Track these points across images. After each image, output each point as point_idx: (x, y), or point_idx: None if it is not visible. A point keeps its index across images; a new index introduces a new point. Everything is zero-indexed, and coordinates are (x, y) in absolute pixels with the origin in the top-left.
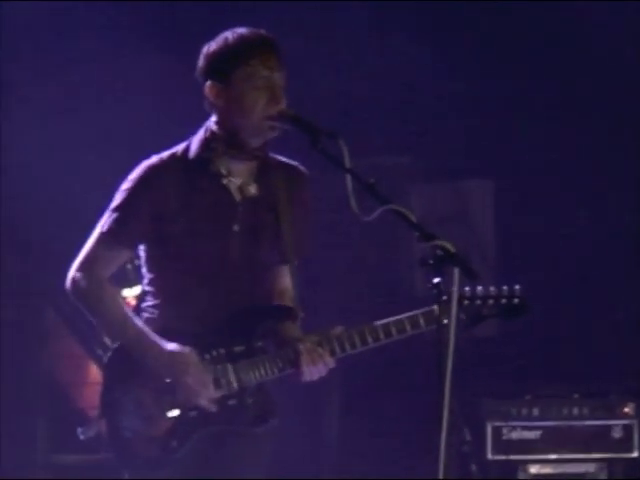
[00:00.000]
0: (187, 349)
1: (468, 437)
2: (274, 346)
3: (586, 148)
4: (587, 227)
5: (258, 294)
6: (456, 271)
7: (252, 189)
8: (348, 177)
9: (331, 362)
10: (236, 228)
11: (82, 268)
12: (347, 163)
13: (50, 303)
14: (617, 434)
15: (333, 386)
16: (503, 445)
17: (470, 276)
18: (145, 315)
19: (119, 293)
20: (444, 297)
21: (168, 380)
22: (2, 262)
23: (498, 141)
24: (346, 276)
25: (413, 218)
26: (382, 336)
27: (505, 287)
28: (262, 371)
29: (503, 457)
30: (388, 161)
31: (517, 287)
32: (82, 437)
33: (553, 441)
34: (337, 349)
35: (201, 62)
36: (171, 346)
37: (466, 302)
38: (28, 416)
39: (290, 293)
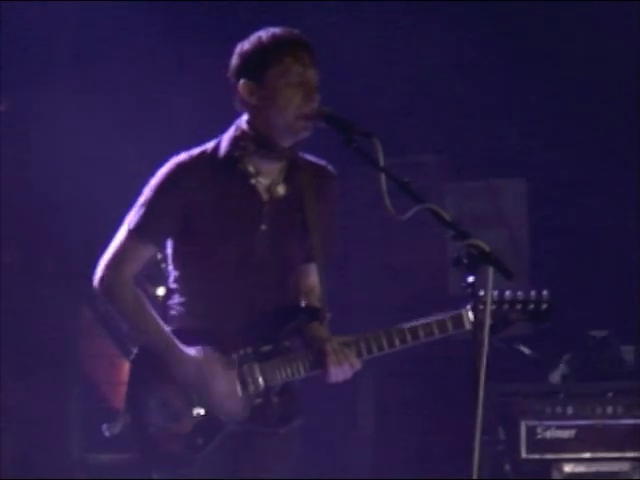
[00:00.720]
0: (214, 353)
1: (502, 436)
2: (301, 346)
3: (619, 145)
4: (621, 224)
5: (285, 293)
6: (490, 270)
7: (280, 189)
8: (382, 176)
9: (357, 364)
10: (263, 227)
11: (110, 266)
12: (381, 162)
13: (85, 302)
14: None
15: (367, 385)
16: (537, 444)
17: (505, 275)
18: (171, 313)
19: (143, 295)
20: (472, 303)
21: (194, 384)
22: (40, 263)
23: (530, 139)
24: (379, 275)
25: (447, 217)
26: (409, 338)
27: (533, 292)
28: (289, 371)
29: (537, 456)
30: (422, 160)
31: (545, 292)
32: (107, 434)
33: (587, 440)
34: (364, 351)
35: (234, 61)
36: (195, 352)
37: (494, 306)
38: (62, 415)
39: (317, 292)
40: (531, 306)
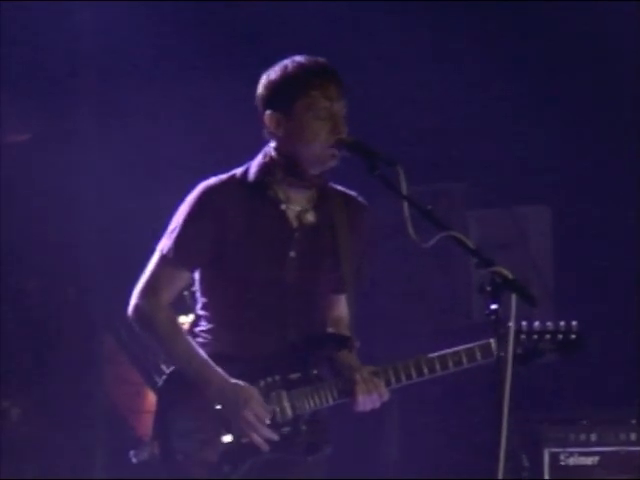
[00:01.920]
0: (250, 386)
1: (526, 463)
2: (330, 374)
3: None
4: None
5: (314, 321)
6: (514, 297)
7: (310, 216)
8: (405, 204)
9: (386, 394)
10: (292, 254)
11: (145, 294)
12: (404, 189)
13: (109, 330)
14: None
15: (392, 408)
16: (561, 471)
17: (529, 302)
18: (199, 340)
19: (178, 320)
20: (501, 330)
21: (226, 411)
22: (63, 292)
23: (555, 168)
24: (404, 302)
25: (471, 244)
26: (438, 368)
27: (562, 322)
28: (317, 399)
29: None
30: (445, 187)
31: (574, 323)
32: (134, 460)
33: (611, 467)
34: (392, 379)
35: (260, 91)
36: (234, 380)
37: (523, 336)
38: (87, 443)
39: (346, 322)
40: (560, 336)
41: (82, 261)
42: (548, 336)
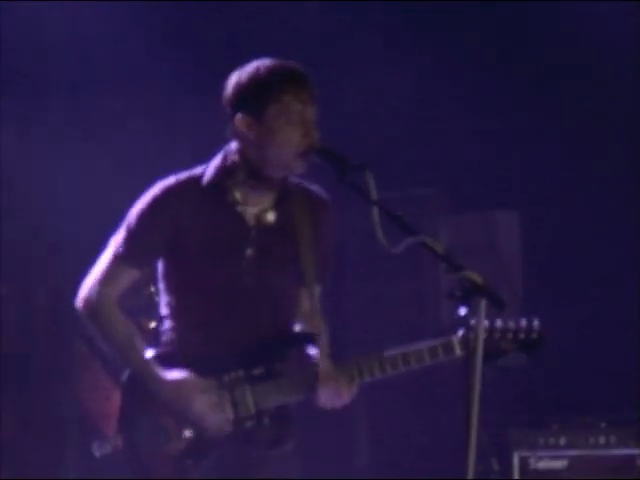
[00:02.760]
0: (190, 376)
1: (496, 467)
2: (293, 369)
3: (615, 178)
4: (616, 256)
5: (279, 317)
6: (483, 302)
7: (270, 216)
8: (375, 209)
9: (348, 390)
10: (249, 253)
11: (93, 288)
12: (374, 195)
13: (78, 333)
14: None
15: (360, 412)
16: (530, 475)
17: (498, 307)
18: (163, 338)
19: (128, 320)
20: (462, 330)
21: (177, 407)
22: (32, 293)
23: (524, 171)
24: (372, 307)
25: (440, 249)
26: (401, 365)
27: (524, 321)
28: (280, 394)
29: None
30: (415, 193)
31: (536, 321)
32: (97, 454)
33: (580, 470)
34: (356, 376)
35: (230, 92)
36: (173, 375)
37: (485, 335)
38: (58, 447)
39: (309, 317)
40: (522, 335)
41: (51, 264)
42: (510, 335)
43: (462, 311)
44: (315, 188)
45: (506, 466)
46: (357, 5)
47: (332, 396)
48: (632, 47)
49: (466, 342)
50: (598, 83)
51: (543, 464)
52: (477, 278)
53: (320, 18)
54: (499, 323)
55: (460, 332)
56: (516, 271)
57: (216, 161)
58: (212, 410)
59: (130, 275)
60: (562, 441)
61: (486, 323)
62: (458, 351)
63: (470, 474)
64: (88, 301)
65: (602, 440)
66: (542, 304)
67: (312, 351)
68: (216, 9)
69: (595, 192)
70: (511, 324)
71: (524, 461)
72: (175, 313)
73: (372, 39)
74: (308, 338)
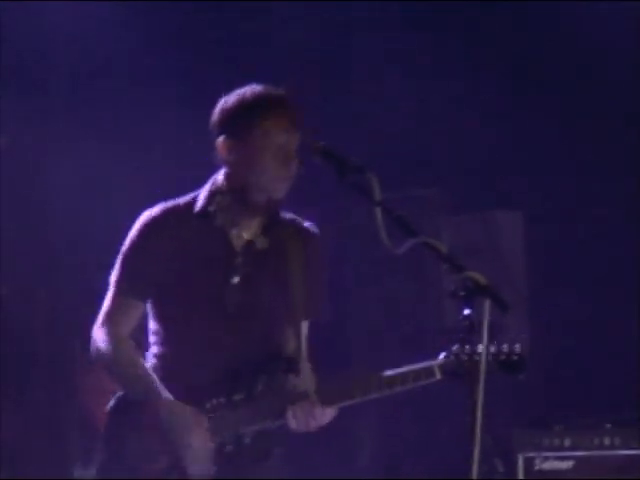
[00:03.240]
0: (201, 414)
1: (500, 468)
2: (271, 395)
3: (616, 176)
4: (618, 256)
5: (264, 345)
6: (487, 303)
7: (260, 243)
8: (378, 210)
9: (320, 415)
10: (235, 280)
11: (100, 326)
12: (376, 196)
13: (77, 336)
14: None
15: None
16: (535, 476)
17: (501, 307)
18: (149, 364)
19: (135, 350)
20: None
21: (174, 432)
22: (34, 297)
23: (527, 172)
24: (376, 308)
25: (443, 250)
26: (386, 389)
27: (505, 345)
28: (257, 419)
29: None
30: (417, 193)
31: (517, 345)
32: (76, 476)
33: (585, 471)
34: (337, 400)
35: (216, 116)
36: (185, 405)
37: (465, 358)
38: (62, 450)
39: (295, 351)
40: (502, 357)
41: (52, 264)
42: (490, 357)
43: (466, 311)
44: (307, 223)
45: (510, 467)
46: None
47: (301, 424)
48: (632, 47)
49: (446, 366)
50: (598, 83)
51: (548, 465)
52: (480, 278)
53: (321, 18)
54: (479, 347)
55: (441, 357)
56: (519, 271)
57: (205, 187)
58: (203, 452)
59: (136, 308)
60: (567, 442)
61: (467, 347)
62: (438, 375)
63: (474, 475)
64: (94, 341)
65: (607, 441)
66: (546, 305)
67: (293, 377)
68: (215, 9)
69: (596, 192)
70: (492, 348)
71: (529, 462)
72: (161, 339)
73: (372, 35)
74: (290, 363)
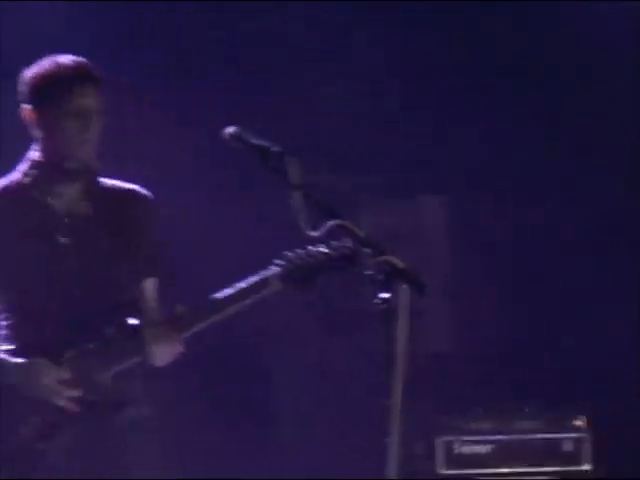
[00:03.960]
0: (38, 358)
1: (419, 452)
2: (122, 337)
3: (549, 159)
4: (540, 241)
5: (107, 295)
6: (404, 287)
7: (83, 208)
8: (297, 194)
9: (178, 343)
10: (63, 241)
11: None
12: (295, 180)
13: None
14: (568, 447)
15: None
16: (454, 460)
17: (419, 291)
18: (1, 333)
19: None
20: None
21: (25, 388)
22: None
23: (451, 156)
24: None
25: (361, 233)
26: (229, 307)
27: (332, 243)
28: (115, 363)
29: (454, 472)
30: (341, 178)
31: (345, 242)
32: None
33: (505, 455)
34: (184, 327)
35: (20, 87)
36: (19, 360)
37: (299, 262)
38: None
39: (149, 306)
40: (333, 253)
41: None
42: (322, 256)
43: (384, 295)
44: (132, 186)
45: (430, 451)
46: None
47: (163, 354)
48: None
49: (283, 273)
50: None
51: (467, 449)
52: (398, 262)
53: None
54: (305, 249)
55: (276, 266)
56: (443, 256)
57: (23, 160)
58: (61, 386)
59: None
60: (487, 426)
61: (290, 254)
62: (277, 284)
63: (393, 460)
64: None
65: (527, 425)
66: (469, 291)
67: (137, 317)
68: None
69: (525, 176)
70: (322, 247)
71: (448, 446)
72: (6, 307)
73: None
74: (131, 305)
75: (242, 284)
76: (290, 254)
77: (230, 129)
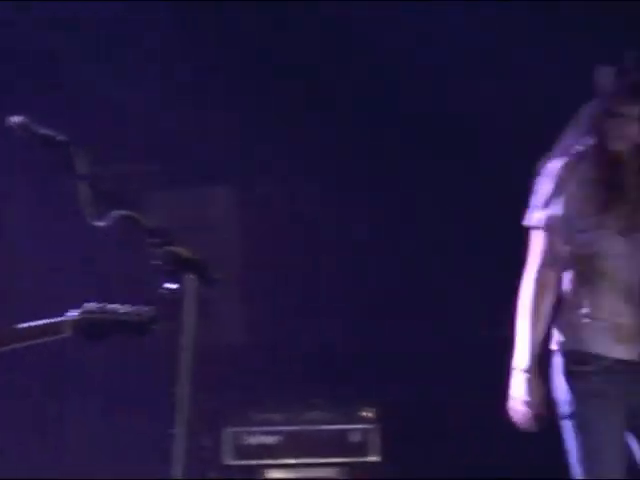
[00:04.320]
0: None
1: (207, 443)
2: None
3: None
4: (332, 232)
5: None
6: (190, 278)
7: None
8: (81, 184)
9: None
10: None
11: None
12: (81, 170)
13: None
14: (356, 438)
15: None
16: (242, 450)
17: (207, 282)
18: None
19: None
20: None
21: None
22: None
23: (242, 146)
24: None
25: (148, 224)
26: (17, 340)
27: (134, 307)
28: None
29: (242, 462)
30: (131, 168)
31: (146, 308)
32: None
33: (293, 446)
34: None
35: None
36: None
37: (96, 316)
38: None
39: None
40: (123, 317)
41: None
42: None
43: (170, 285)
44: None
45: (218, 442)
46: None
47: None
48: None
49: (79, 323)
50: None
51: (255, 439)
52: (183, 252)
53: None
54: (109, 306)
55: (74, 313)
56: (234, 247)
57: None
58: None
59: None
60: (276, 417)
61: (95, 306)
62: (68, 332)
63: (179, 452)
64: None
65: (316, 417)
66: (261, 279)
67: None
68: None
69: (313, 163)
70: (119, 307)
71: (236, 436)
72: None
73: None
74: None
75: (36, 323)
76: (89, 305)
77: (15, 118)
